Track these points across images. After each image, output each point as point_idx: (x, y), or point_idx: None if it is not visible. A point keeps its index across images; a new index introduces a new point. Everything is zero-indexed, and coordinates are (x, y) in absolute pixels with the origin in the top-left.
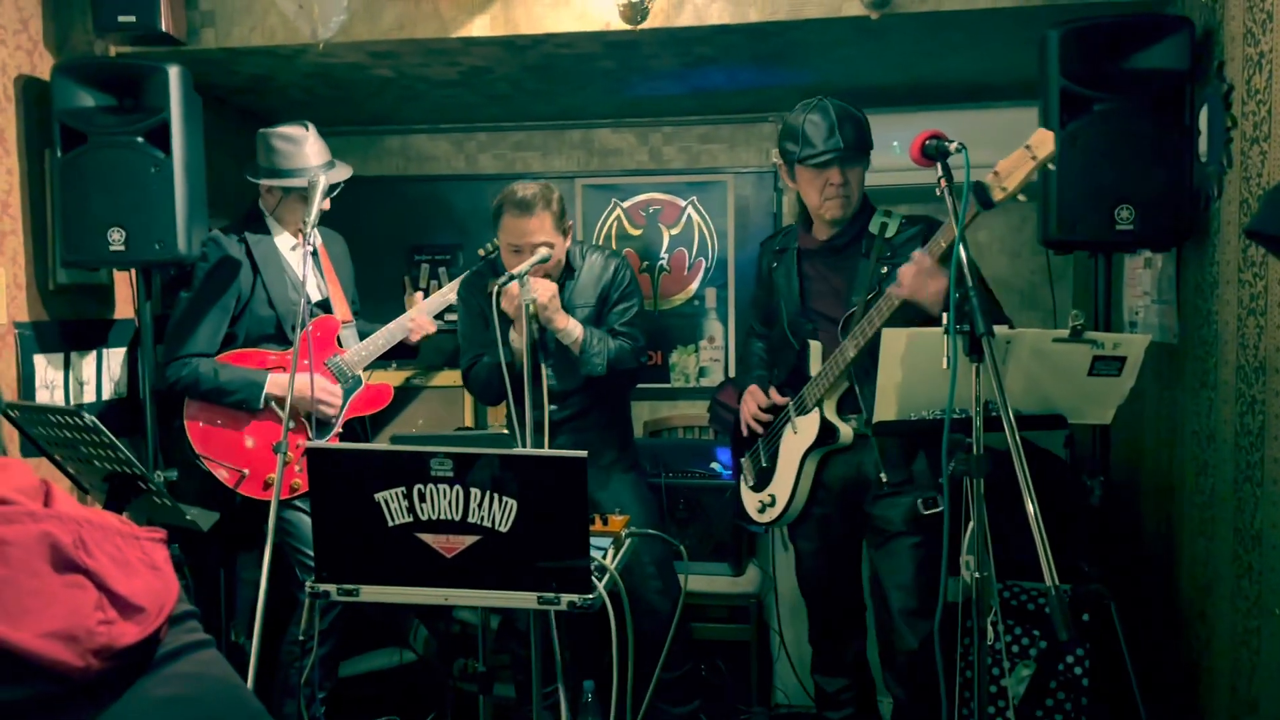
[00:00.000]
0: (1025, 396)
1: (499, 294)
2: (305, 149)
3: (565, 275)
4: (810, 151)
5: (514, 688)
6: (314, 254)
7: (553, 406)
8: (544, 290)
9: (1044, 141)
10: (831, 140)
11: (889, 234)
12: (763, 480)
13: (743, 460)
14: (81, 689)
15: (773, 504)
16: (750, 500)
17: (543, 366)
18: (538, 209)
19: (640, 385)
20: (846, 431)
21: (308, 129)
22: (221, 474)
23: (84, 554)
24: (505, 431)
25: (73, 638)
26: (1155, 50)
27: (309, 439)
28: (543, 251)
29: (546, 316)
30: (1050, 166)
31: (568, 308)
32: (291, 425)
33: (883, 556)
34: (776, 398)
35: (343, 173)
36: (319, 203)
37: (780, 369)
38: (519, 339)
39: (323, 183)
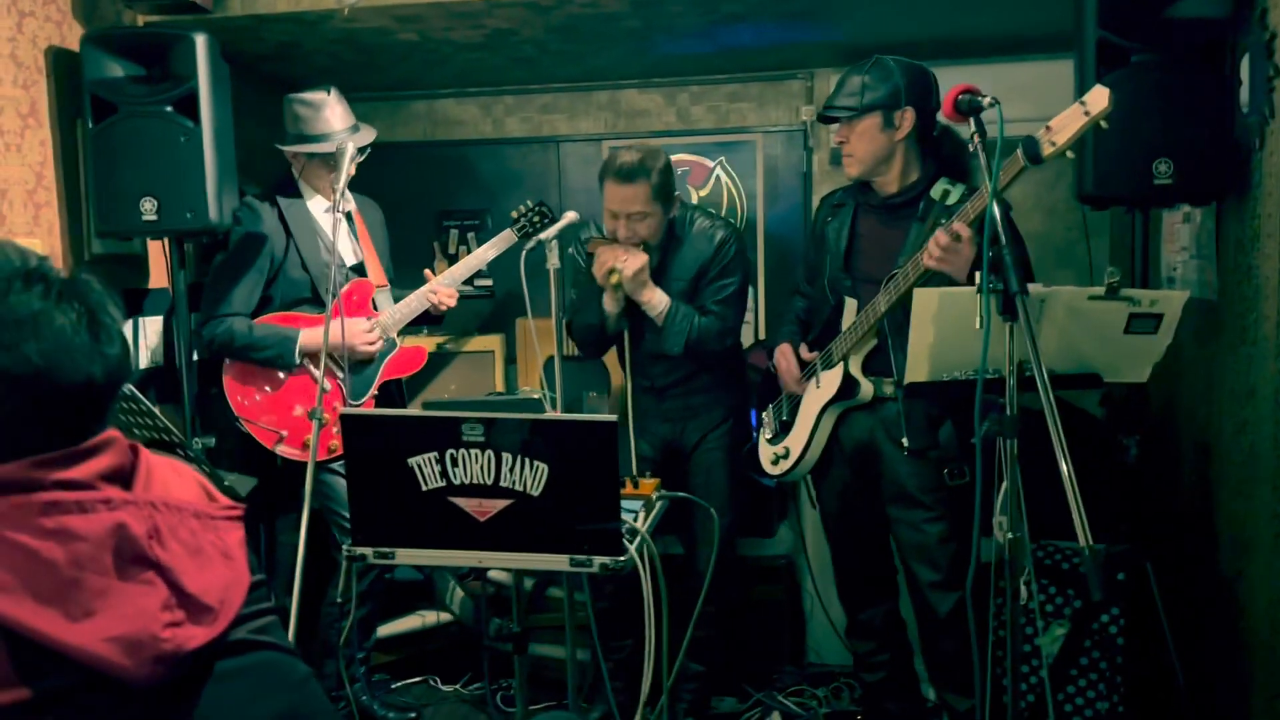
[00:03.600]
0: (1060, 355)
1: (592, 259)
2: (326, 113)
3: (670, 243)
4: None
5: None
6: (349, 218)
7: (657, 370)
8: (632, 263)
9: (1099, 98)
10: (829, 98)
11: (949, 201)
12: (782, 432)
13: (765, 414)
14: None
15: (786, 456)
16: (765, 452)
17: (626, 335)
18: (638, 179)
19: None
20: (867, 388)
21: (330, 93)
22: (261, 436)
23: (157, 546)
24: (536, 396)
25: (137, 643)
26: None
27: (345, 400)
28: (571, 214)
29: (632, 288)
30: (1103, 124)
31: (666, 280)
32: (328, 387)
33: (905, 529)
34: (805, 355)
35: (366, 136)
36: (347, 168)
37: (816, 326)
38: (611, 305)
39: (351, 151)
